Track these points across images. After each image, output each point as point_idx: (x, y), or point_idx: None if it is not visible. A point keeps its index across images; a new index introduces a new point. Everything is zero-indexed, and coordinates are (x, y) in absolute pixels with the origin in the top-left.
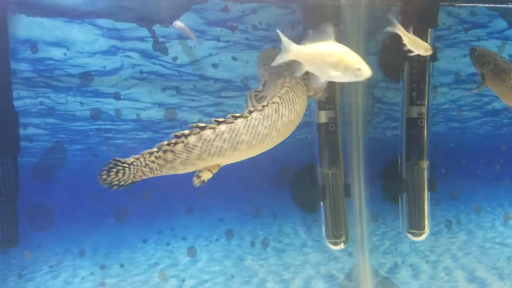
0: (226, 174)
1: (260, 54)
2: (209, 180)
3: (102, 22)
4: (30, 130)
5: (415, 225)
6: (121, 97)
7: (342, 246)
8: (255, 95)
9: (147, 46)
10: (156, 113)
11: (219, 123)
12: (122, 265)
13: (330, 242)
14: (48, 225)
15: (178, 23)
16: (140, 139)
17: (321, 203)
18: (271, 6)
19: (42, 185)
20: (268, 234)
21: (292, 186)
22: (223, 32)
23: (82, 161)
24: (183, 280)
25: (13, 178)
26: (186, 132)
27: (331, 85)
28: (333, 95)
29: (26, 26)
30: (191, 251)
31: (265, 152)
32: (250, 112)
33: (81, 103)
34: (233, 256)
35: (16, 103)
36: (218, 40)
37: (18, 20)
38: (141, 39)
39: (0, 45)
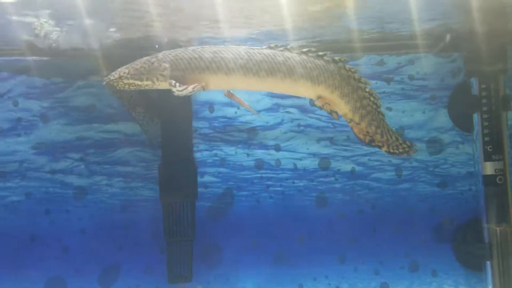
0: (381, 223)
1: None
2: (363, 229)
3: None
4: (206, 178)
5: None
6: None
7: None
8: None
9: (305, 102)
10: (311, 163)
11: None
12: None
13: None
14: (218, 263)
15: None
16: (296, 186)
17: (488, 262)
18: (430, 56)
19: (214, 226)
20: None
21: (454, 241)
22: (377, 84)
23: (246, 206)
24: None
25: (191, 220)
26: None
27: (495, 132)
28: (500, 144)
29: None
30: None
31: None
32: None
33: (247, 155)
34: None
35: (196, 155)
36: None
37: None
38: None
39: (186, 108)
